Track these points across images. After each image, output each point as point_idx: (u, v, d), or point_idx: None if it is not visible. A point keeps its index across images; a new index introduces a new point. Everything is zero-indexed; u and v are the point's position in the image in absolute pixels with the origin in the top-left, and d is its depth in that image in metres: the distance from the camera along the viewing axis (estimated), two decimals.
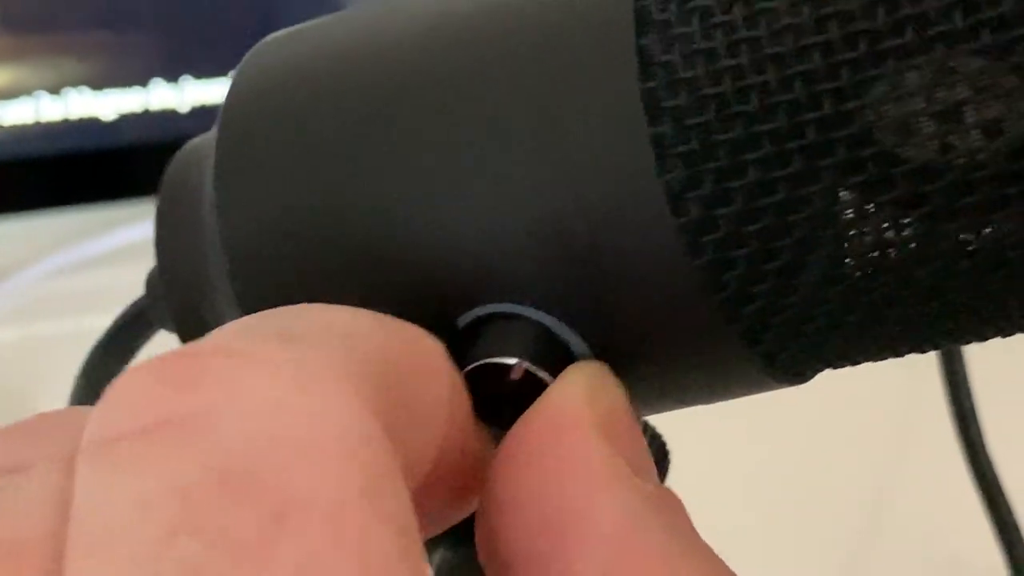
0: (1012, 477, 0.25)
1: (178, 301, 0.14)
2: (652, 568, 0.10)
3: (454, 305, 0.12)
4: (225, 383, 0.09)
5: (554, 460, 0.11)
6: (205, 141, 0.14)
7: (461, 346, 0.12)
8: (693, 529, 0.11)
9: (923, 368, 0.25)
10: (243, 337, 0.11)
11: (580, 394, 0.11)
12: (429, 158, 0.12)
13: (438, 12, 0.13)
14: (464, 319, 0.12)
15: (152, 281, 0.15)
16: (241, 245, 0.13)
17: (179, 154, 0.15)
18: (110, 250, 0.48)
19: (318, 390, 0.09)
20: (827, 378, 0.13)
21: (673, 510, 0.11)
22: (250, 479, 0.09)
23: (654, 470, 0.12)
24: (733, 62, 0.11)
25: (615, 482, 0.11)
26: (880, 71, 0.11)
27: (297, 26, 0.14)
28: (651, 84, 0.11)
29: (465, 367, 0.12)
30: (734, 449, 0.38)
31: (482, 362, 0.12)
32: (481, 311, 0.12)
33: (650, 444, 0.17)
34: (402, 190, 0.12)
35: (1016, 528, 0.25)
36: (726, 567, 0.11)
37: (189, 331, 0.14)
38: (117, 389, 0.09)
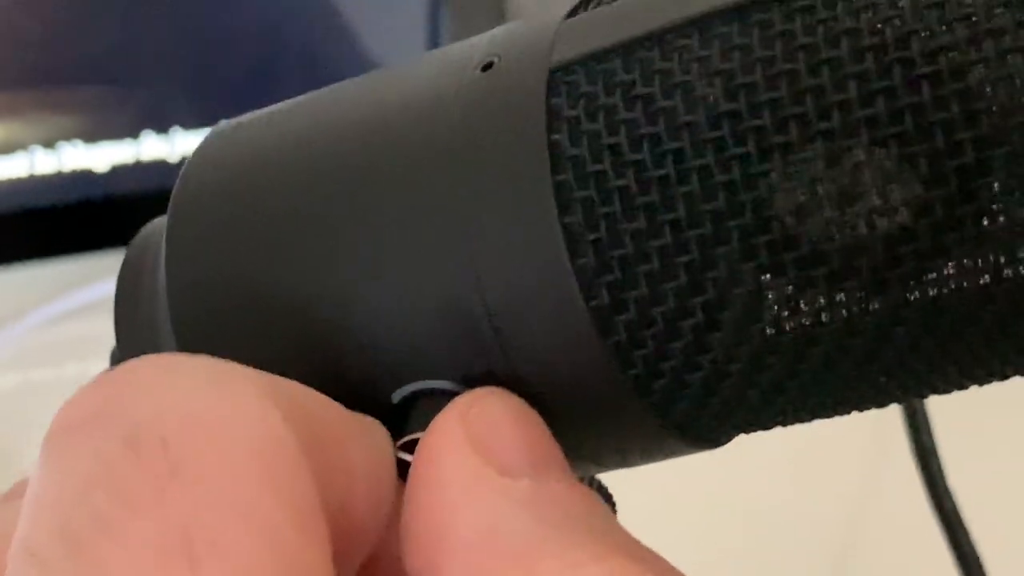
0: (973, 511, 0.26)
1: None
2: (509, 565, 0.11)
3: (384, 383, 0.13)
4: (148, 380, 0.11)
5: (425, 482, 0.12)
6: (160, 225, 0.15)
7: (396, 421, 0.13)
8: (590, 517, 0.12)
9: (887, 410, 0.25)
10: (174, 355, 0.13)
11: (452, 416, 0.12)
12: (346, 249, 0.13)
13: (353, 115, 0.14)
14: (397, 395, 0.13)
15: (114, 357, 0.16)
16: (188, 329, 0.14)
17: (138, 236, 0.16)
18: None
19: (230, 387, 0.11)
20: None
21: (555, 502, 0.12)
22: (154, 443, 0.10)
23: (552, 466, 0.12)
24: (636, 156, 0.12)
25: (478, 489, 0.11)
26: (767, 165, 0.12)
27: (241, 118, 0.15)
28: (562, 177, 0.12)
29: (398, 441, 0.13)
30: (698, 494, 0.37)
31: (408, 438, 0.13)
32: (410, 388, 0.13)
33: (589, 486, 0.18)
34: (325, 279, 0.13)
35: (978, 561, 0.26)
36: (624, 550, 0.11)
37: None
38: (70, 398, 0.12)
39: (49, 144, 0.49)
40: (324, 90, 0.15)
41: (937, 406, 0.27)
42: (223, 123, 0.15)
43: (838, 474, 0.41)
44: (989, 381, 0.13)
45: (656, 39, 0.12)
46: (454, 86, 0.13)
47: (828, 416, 0.13)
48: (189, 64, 0.50)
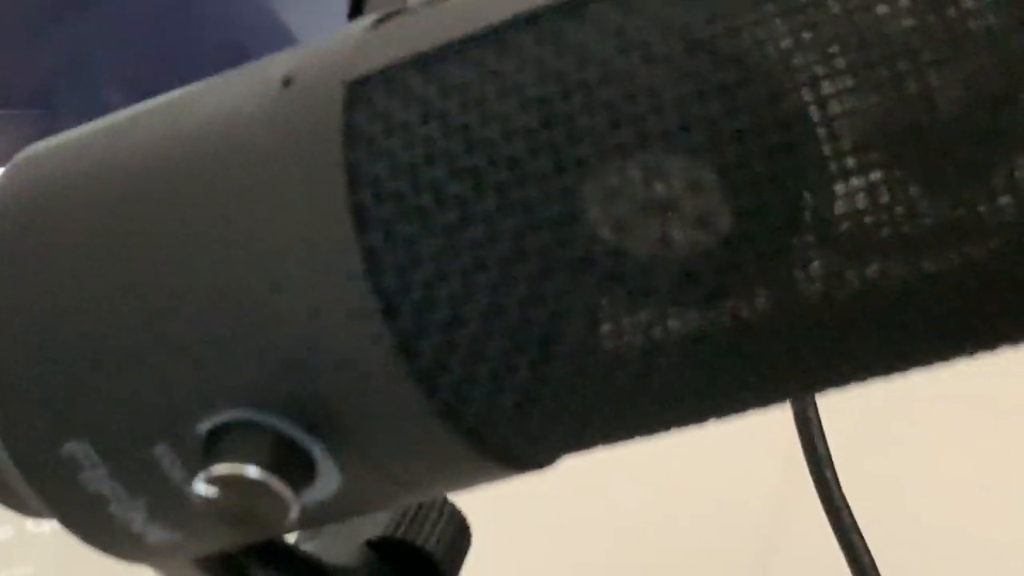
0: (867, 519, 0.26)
1: None
2: None
3: (189, 412, 0.12)
4: None
5: None
6: None
7: (205, 452, 0.12)
8: None
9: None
10: None
11: None
12: (145, 273, 0.13)
13: (157, 134, 0.13)
14: (203, 426, 0.13)
15: None
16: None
17: None
18: None
19: None
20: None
21: None
22: None
23: None
24: (433, 175, 0.11)
25: None
26: (564, 181, 0.11)
27: (46, 143, 0.14)
28: (359, 196, 0.11)
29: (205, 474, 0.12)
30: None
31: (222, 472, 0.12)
32: (220, 418, 0.12)
33: (449, 520, 0.18)
34: (122, 307, 0.13)
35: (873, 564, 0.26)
36: None
37: None
38: None
39: None
40: (139, 106, 0.14)
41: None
42: (28, 148, 0.14)
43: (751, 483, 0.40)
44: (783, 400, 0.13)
45: (454, 50, 0.12)
46: (254, 103, 0.12)
47: (649, 435, 0.13)
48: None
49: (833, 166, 0.10)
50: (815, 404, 0.27)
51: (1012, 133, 0.10)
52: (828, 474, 0.27)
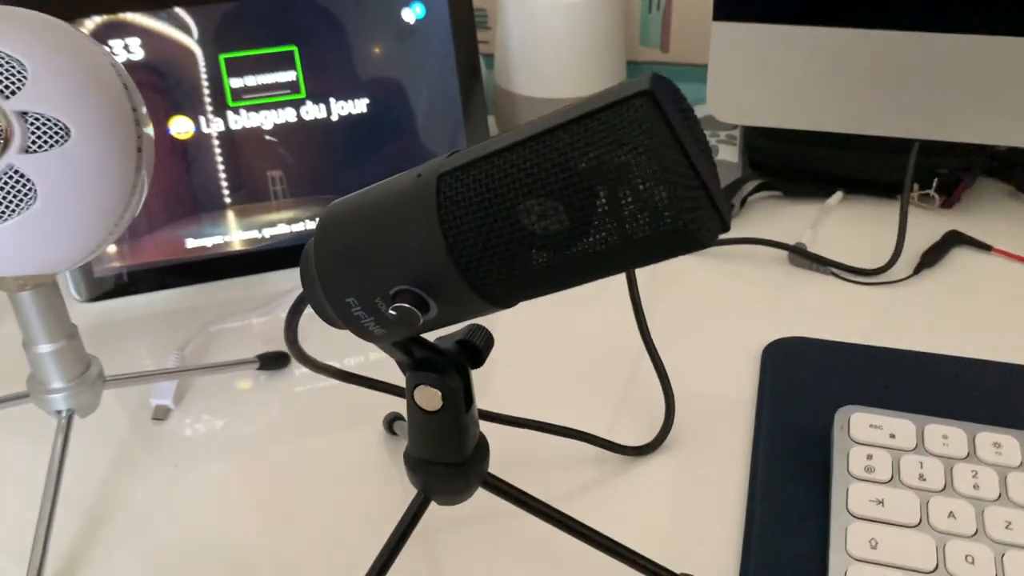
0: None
1: (310, 297, 0.34)
2: None
3: (386, 286, 0.31)
4: None
5: None
6: (309, 246, 0.34)
7: (392, 299, 0.31)
8: None
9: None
10: None
11: None
12: (369, 236, 0.31)
13: (372, 195, 0.32)
14: (392, 291, 0.31)
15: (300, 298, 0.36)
16: (323, 275, 0.33)
17: (303, 252, 0.34)
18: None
19: None
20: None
21: None
22: None
23: None
24: (480, 212, 0.28)
25: None
26: (517, 209, 0.28)
27: (350, 196, 0.34)
28: (441, 214, 0.29)
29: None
30: None
31: (399, 307, 0.31)
32: (396, 288, 0.31)
33: (476, 334, 0.36)
34: (367, 253, 0.31)
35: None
36: None
37: (315, 304, 0.34)
38: None
39: None
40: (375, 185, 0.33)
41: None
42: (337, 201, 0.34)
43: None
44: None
45: (477, 162, 0.29)
46: (407, 182, 0.30)
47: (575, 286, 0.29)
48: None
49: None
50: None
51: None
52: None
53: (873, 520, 0.41)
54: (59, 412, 0.47)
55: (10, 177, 0.38)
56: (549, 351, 0.57)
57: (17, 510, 0.48)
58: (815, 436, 0.48)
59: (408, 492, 0.40)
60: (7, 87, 0.37)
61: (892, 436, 0.45)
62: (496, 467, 0.39)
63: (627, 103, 0.25)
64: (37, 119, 0.38)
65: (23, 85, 0.38)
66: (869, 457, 0.44)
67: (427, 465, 0.36)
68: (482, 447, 0.37)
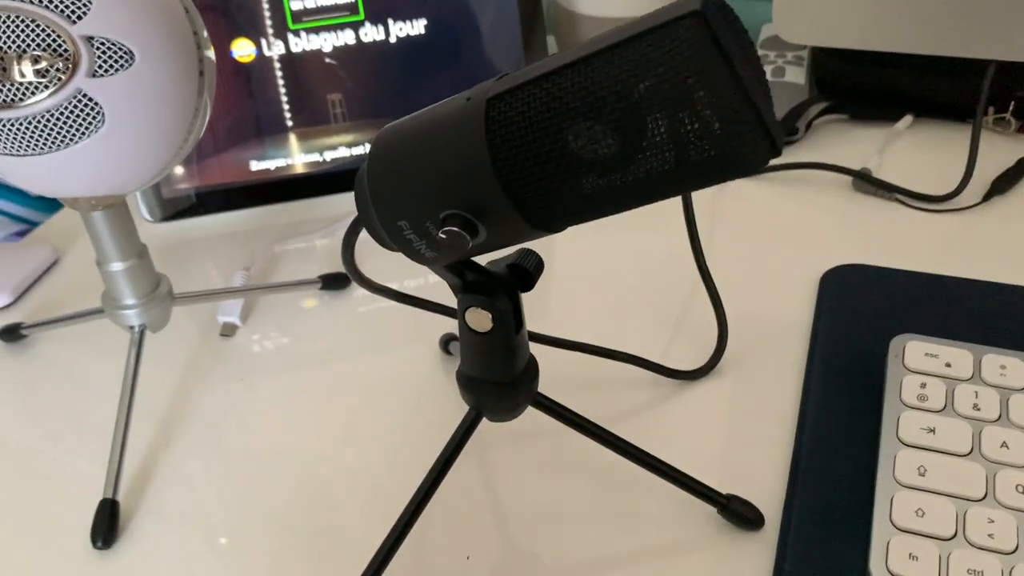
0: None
1: (364, 219, 0.34)
2: None
3: (436, 210, 0.31)
4: None
5: None
6: (362, 169, 0.34)
7: (441, 223, 0.31)
8: None
9: None
10: None
11: None
12: (408, 183, 0.32)
13: (425, 117, 0.32)
14: (441, 214, 0.31)
15: (356, 221, 0.36)
16: (376, 197, 0.33)
17: (357, 175, 0.34)
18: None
19: None
20: None
21: None
22: None
23: None
24: (524, 126, 0.28)
25: None
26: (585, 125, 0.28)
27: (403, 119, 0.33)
28: (490, 135, 0.29)
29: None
30: None
31: (448, 230, 0.31)
32: (445, 212, 0.31)
33: (527, 258, 0.36)
34: (418, 172, 0.31)
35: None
36: None
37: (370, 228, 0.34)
38: None
39: None
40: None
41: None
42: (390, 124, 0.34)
43: None
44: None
45: (524, 84, 0.28)
46: (456, 106, 0.30)
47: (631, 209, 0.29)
48: None
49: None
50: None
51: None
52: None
53: (923, 448, 0.41)
54: (132, 327, 0.49)
55: (79, 101, 0.39)
56: (605, 275, 0.58)
57: (96, 418, 0.51)
58: (869, 363, 0.47)
59: (462, 409, 0.41)
60: (73, 12, 0.38)
61: (948, 365, 0.45)
62: (549, 389, 0.40)
63: (677, 24, 0.25)
64: (103, 43, 0.39)
65: (88, 10, 0.39)
66: (923, 386, 0.44)
67: (479, 383, 0.37)
68: (532, 368, 0.38)
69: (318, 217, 0.66)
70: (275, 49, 0.63)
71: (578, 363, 0.51)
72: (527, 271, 0.36)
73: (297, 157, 0.65)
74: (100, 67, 0.39)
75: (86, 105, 0.39)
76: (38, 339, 0.57)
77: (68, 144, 0.40)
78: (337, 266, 0.61)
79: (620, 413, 0.48)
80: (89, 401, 0.52)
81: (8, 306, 0.60)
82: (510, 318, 0.35)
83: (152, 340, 0.55)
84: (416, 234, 0.32)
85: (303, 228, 0.65)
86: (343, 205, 0.67)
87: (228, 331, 0.56)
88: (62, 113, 0.39)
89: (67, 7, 0.38)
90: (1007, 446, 0.41)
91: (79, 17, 0.38)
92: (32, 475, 0.48)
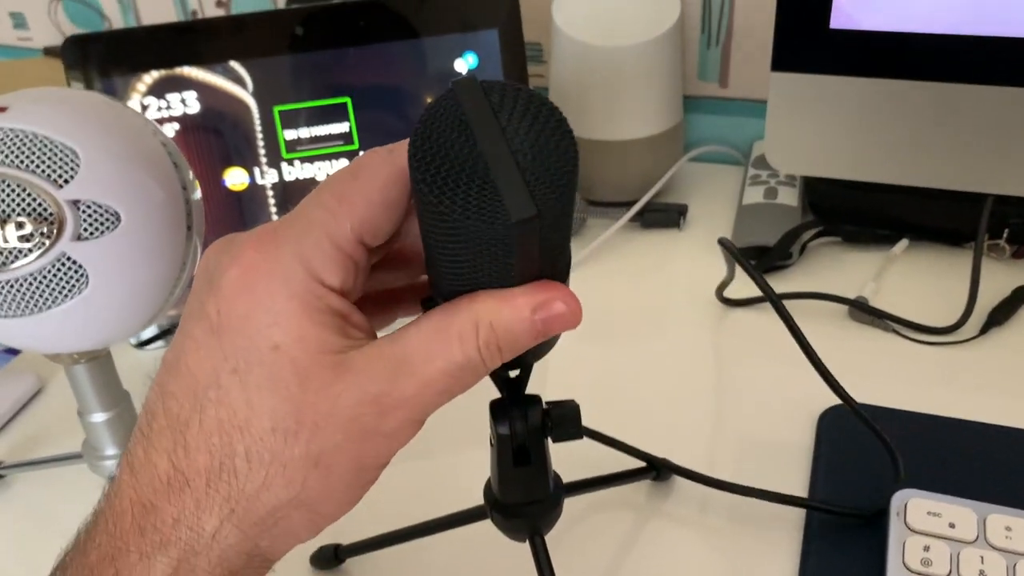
0: None
1: None
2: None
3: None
4: (226, 270, 0.29)
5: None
6: None
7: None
8: None
9: None
10: (243, 254, 0.29)
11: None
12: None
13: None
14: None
15: None
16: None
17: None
18: None
19: (263, 278, 0.28)
20: None
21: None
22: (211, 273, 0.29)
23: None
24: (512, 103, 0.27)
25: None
26: None
27: None
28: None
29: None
30: None
31: None
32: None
33: (564, 409, 0.35)
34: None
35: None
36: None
37: None
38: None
39: None
40: None
41: None
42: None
43: None
44: None
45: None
46: None
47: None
48: None
49: None
50: None
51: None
52: None
53: None
54: (112, 478, 0.48)
55: (63, 264, 0.38)
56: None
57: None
58: (871, 517, 0.46)
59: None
60: (60, 176, 0.38)
61: (952, 526, 0.43)
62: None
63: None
64: (89, 207, 0.39)
65: (75, 174, 0.38)
66: (926, 549, 0.42)
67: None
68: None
69: None
70: (268, 178, 0.63)
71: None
72: (550, 418, 0.35)
73: None
74: (85, 230, 0.39)
75: (70, 268, 0.39)
76: (16, 479, 0.55)
77: (51, 306, 0.39)
78: None
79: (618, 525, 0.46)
80: (58, 547, 0.50)
81: None
82: (508, 446, 0.34)
83: None
84: None
85: None
86: None
87: None
88: (45, 276, 0.38)
89: (54, 171, 0.38)
90: None
91: (65, 181, 0.38)
92: None
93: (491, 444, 0.36)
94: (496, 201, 0.24)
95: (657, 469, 0.50)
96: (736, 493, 0.48)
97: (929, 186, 0.61)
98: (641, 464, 0.50)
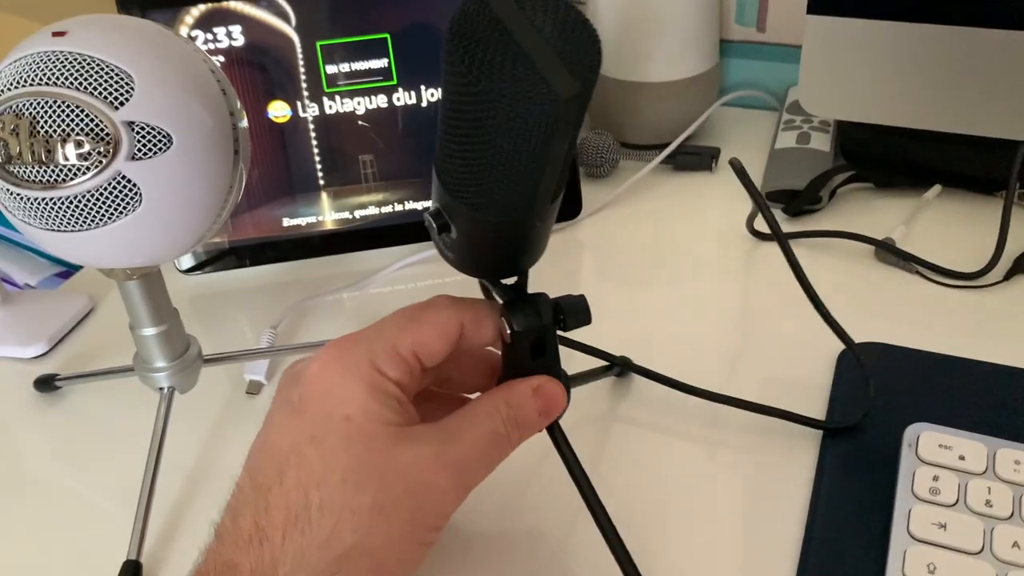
0: None
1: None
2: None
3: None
4: (307, 368, 0.36)
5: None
6: None
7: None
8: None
9: None
10: (322, 354, 0.36)
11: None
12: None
13: None
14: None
15: None
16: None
17: None
18: None
19: (338, 368, 0.36)
20: None
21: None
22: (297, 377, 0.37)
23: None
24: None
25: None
26: None
27: None
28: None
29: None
30: None
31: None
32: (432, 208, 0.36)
33: (572, 301, 0.39)
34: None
35: None
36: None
37: None
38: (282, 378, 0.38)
39: None
40: None
41: None
42: None
43: None
44: None
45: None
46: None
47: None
48: None
49: None
50: None
51: None
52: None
53: (934, 544, 0.41)
54: (161, 389, 0.51)
55: (118, 183, 0.41)
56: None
57: (125, 472, 0.52)
58: (884, 450, 0.48)
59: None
60: (116, 98, 0.40)
61: (961, 458, 0.45)
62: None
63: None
64: (143, 128, 0.41)
65: (131, 97, 0.40)
66: (935, 479, 0.44)
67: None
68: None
69: (347, 273, 0.67)
70: (310, 111, 0.65)
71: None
72: (562, 310, 0.38)
73: (328, 215, 0.67)
74: (139, 151, 0.41)
75: (124, 186, 0.41)
76: (71, 390, 0.59)
77: (106, 222, 0.41)
78: (364, 321, 0.62)
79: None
80: (118, 455, 0.54)
81: (43, 355, 0.62)
82: (523, 341, 0.38)
83: (181, 396, 0.57)
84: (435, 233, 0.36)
85: (332, 283, 0.66)
86: (371, 261, 0.68)
87: (254, 389, 0.57)
88: (101, 194, 0.41)
89: (111, 94, 0.40)
90: (1019, 546, 0.41)
91: (121, 103, 0.40)
92: (58, 529, 0.49)
93: (504, 344, 0.39)
94: (540, 80, 0.27)
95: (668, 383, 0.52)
96: (745, 409, 0.50)
97: (962, 132, 0.61)
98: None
